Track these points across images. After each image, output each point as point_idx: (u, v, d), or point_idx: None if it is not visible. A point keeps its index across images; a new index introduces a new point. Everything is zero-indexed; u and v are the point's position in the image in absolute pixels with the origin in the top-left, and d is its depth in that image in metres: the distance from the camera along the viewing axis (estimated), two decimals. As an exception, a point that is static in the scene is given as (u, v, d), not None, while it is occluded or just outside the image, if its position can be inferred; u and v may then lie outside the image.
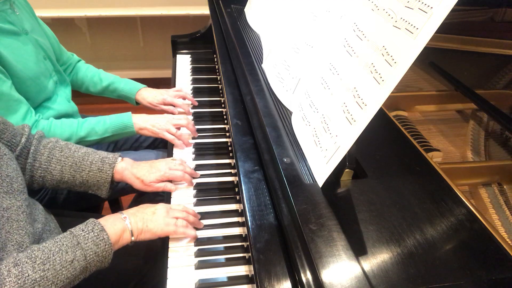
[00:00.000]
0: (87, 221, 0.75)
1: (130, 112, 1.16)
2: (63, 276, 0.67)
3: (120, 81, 1.37)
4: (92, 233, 0.73)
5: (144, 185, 0.94)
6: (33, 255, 0.66)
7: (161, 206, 0.85)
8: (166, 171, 0.95)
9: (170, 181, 0.97)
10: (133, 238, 0.79)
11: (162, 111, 1.28)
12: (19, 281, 0.62)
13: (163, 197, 0.99)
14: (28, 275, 0.63)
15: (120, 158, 0.95)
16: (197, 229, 0.85)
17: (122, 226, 0.78)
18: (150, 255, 1.00)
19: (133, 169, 0.94)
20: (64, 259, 0.68)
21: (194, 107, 1.30)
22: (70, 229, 0.74)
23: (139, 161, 0.98)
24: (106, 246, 0.73)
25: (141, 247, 0.99)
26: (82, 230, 0.73)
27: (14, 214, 0.73)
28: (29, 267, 0.64)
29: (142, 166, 0.96)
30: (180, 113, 1.26)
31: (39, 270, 0.64)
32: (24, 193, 0.78)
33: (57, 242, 0.70)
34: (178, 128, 1.14)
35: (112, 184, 0.94)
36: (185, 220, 0.83)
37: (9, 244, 0.70)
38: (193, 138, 1.14)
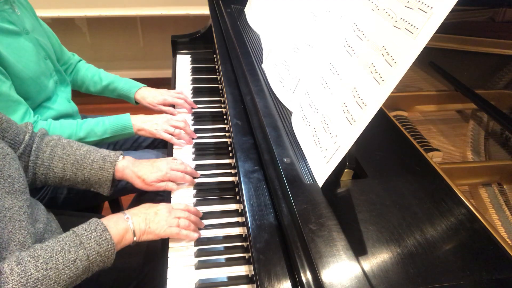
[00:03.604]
0: (90, 220, 0.75)
1: (128, 114, 1.15)
2: (65, 275, 0.67)
3: (120, 80, 1.37)
4: (95, 232, 0.73)
5: (146, 184, 0.94)
6: (35, 254, 0.66)
7: (163, 206, 0.85)
8: (167, 171, 0.95)
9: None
10: (135, 239, 0.79)
11: (161, 112, 1.27)
12: (22, 280, 0.62)
13: (164, 196, 0.99)
14: (31, 274, 0.63)
15: (121, 156, 0.95)
16: (198, 228, 0.85)
17: (124, 226, 0.78)
18: (151, 255, 1.00)
19: (134, 168, 0.94)
20: (66, 258, 0.68)
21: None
22: (73, 229, 0.74)
23: (140, 160, 0.98)
24: (109, 246, 0.73)
25: (142, 247, 1.00)
26: (85, 230, 0.73)
27: (16, 214, 0.73)
28: (32, 266, 0.64)
29: (144, 165, 0.96)
30: (181, 113, 1.26)
31: (42, 269, 0.64)
32: (25, 193, 0.78)
33: (59, 241, 0.70)
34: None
35: (113, 182, 0.95)
36: (187, 219, 0.83)
37: (11, 244, 0.70)
38: (192, 138, 1.14)
